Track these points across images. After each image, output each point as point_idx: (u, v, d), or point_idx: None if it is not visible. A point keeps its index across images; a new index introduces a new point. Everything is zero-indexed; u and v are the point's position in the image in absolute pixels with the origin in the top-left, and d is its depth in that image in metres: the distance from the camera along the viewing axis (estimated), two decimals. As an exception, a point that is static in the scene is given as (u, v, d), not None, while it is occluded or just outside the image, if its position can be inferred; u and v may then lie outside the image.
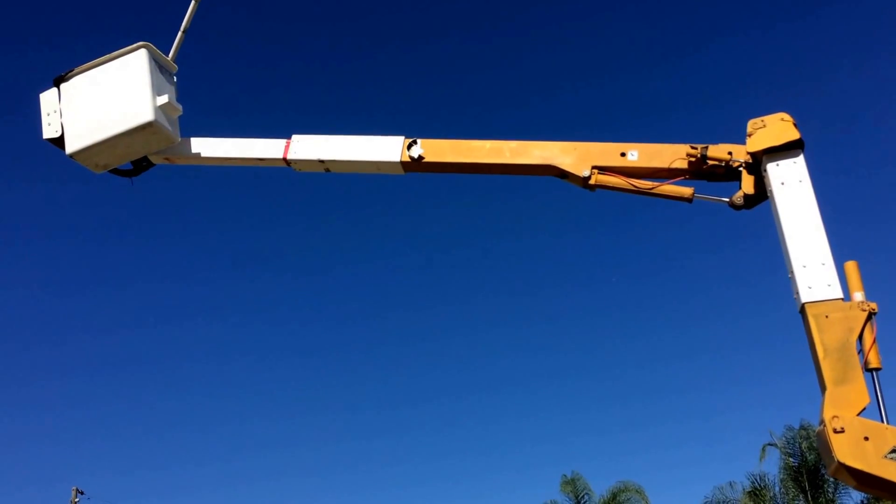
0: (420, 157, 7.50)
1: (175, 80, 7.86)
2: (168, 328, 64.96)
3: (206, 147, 7.95)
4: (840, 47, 59.34)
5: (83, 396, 63.64)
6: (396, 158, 7.55)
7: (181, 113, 7.75)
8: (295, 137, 7.81)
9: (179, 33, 7.87)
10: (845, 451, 5.51)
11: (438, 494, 54.13)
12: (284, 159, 7.79)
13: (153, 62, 7.55)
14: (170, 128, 7.62)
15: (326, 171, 7.90)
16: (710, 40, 63.35)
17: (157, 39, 7.71)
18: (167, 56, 7.81)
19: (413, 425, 58.36)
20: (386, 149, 7.62)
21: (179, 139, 7.78)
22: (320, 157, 7.73)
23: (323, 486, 54.92)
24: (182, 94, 7.85)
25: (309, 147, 7.77)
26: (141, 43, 7.54)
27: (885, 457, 5.43)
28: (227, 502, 56.23)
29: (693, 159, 6.82)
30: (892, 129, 56.95)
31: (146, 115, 7.39)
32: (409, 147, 7.53)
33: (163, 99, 7.47)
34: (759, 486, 33.32)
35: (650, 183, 7.01)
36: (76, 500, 42.11)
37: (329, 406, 60.34)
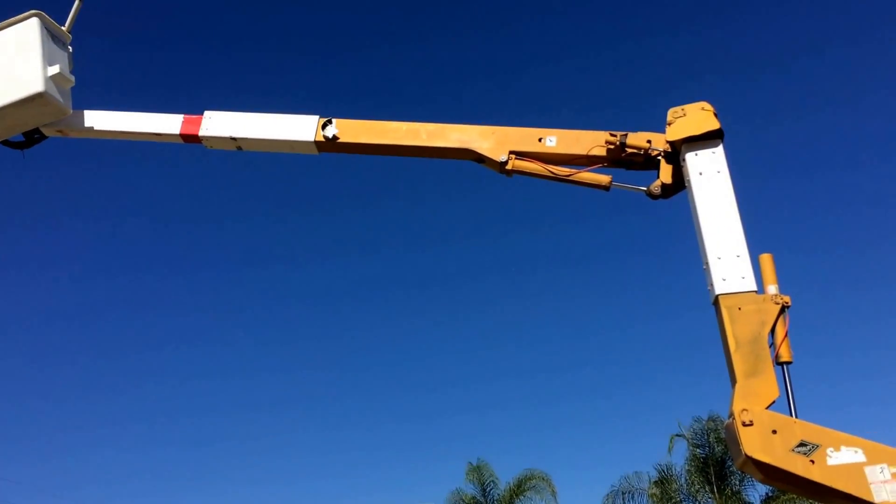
0: (335, 137, 7.33)
1: (70, 50, 7.57)
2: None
3: (100, 120, 7.72)
4: (764, 41, 60.30)
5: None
6: (310, 138, 7.39)
7: (73, 84, 7.48)
8: (207, 114, 7.61)
9: (76, 2, 7.56)
10: (754, 444, 5.50)
11: (343, 489, 53.68)
12: (181, 135, 7.61)
13: (45, 31, 7.25)
14: (61, 99, 7.34)
15: (238, 150, 7.70)
16: (635, 31, 63.83)
17: (52, 8, 7.41)
18: (62, 26, 7.51)
19: (317, 420, 57.66)
20: (300, 128, 7.45)
21: (71, 111, 7.53)
22: (233, 134, 7.53)
23: (216, 483, 53.56)
24: (77, 66, 7.58)
25: (222, 124, 7.57)
26: (32, 11, 7.24)
27: (792, 451, 5.42)
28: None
29: (612, 147, 6.74)
30: (812, 124, 58.20)
31: (36, 85, 7.11)
32: (324, 127, 7.37)
33: (54, 69, 7.19)
34: (666, 476, 33.84)
35: (568, 170, 6.92)
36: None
37: (223, 405, 58.85)
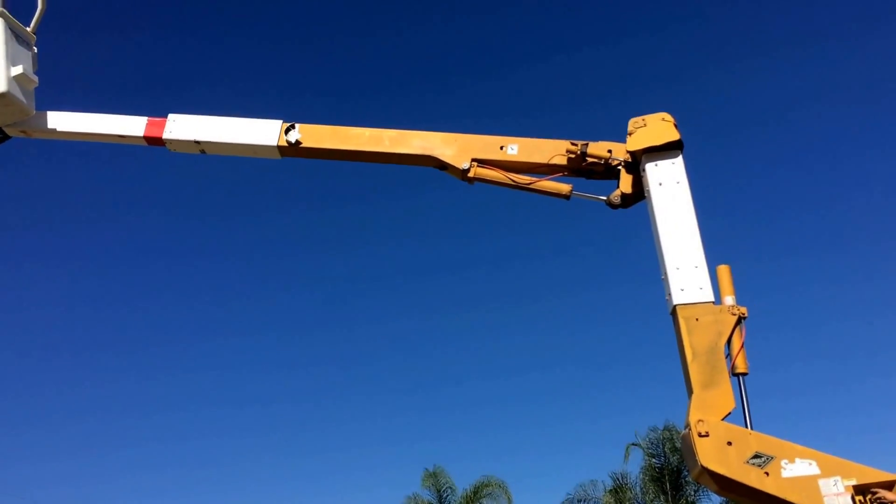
0: (297, 142, 7.32)
1: (35, 50, 7.53)
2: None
3: (64, 121, 7.68)
4: (725, 49, 60.81)
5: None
6: (273, 143, 7.38)
7: (37, 85, 7.47)
8: (171, 116, 7.59)
9: (41, 3, 7.52)
10: (709, 455, 5.52)
11: (294, 493, 53.17)
12: (145, 137, 7.58)
13: (8, 31, 7.21)
14: (24, 100, 7.33)
15: (202, 153, 7.68)
16: (600, 37, 64.02)
17: (17, 8, 7.36)
18: (26, 26, 7.46)
19: (271, 424, 57.04)
20: (263, 132, 7.44)
21: (34, 111, 7.50)
22: (196, 137, 7.52)
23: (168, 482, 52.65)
24: (42, 67, 7.55)
25: (185, 127, 7.55)
26: None
27: (747, 462, 5.44)
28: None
29: (573, 156, 6.77)
30: (772, 134, 58.71)
31: None
32: (287, 131, 7.36)
33: (17, 70, 7.17)
34: (621, 485, 34.01)
35: (528, 178, 6.95)
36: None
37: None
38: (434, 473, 36.24)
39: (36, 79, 7.41)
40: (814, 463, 5.35)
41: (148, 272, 60.69)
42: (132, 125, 7.61)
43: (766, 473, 5.37)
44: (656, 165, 6.49)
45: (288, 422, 56.48)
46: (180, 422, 55.90)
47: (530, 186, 6.93)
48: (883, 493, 5.17)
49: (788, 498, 5.30)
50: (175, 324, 58.86)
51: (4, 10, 7.17)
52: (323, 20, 63.99)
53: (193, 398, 57.60)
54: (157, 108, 7.67)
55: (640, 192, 6.64)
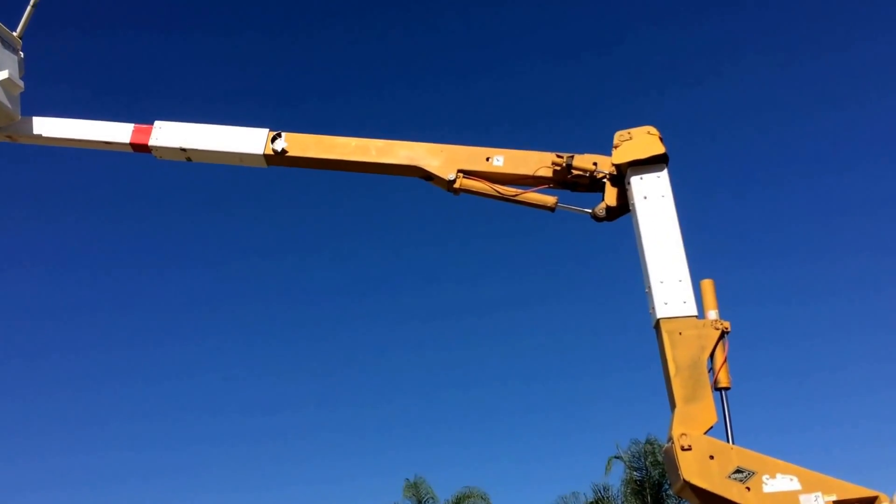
0: (283, 151, 7.32)
1: (21, 55, 7.51)
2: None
3: (50, 127, 7.66)
4: (710, 58, 61.00)
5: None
6: (259, 151, 7.37)
7: (22, 90, 7.45)
8: (158, 124, 7.58)
9: (29, 7, 7.51)
10: (691, 469, 5.53)
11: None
12: (131, 144, 7.57)
13: None
14: (10, 105, 7.33)
15: (188, 161, 7.68)
16: (586, 45, 64.08)
17: (4, 13, 7.41)
18: (13, 31, 7.45)
19: (250, 433, 56.57)
20: (249, 141, 7.44)
21: (19, 117, 7.49)
22: (182, 144, 7.51)
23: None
24: (27, 72, 7.54)
25: (171, 134, 7.54)
26: None
27: (729, 477, 5.46)
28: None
29: (558, 168, 6.79)
30: (757, 146, 58.85)
31: None
32: (273, 140, 7.36)
33: (3, 74, 7.19)
34: (602, 497, 34.02)
35: (514, 190, 6.96)
36: None
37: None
38: (415, 483, 36.07)
39: (22, 84, 7.40)
40: (795, 478, 5.37)
41: (143, 276, 60.50)
42: (118, 132, 7.59)
43: (748, 488, 5.39)
44: (641, 179, 6.51)
45: (266, 431, 56.31)
46: (154, 430, 55.70)
47: (516, 198, 6.94)
48: None
49: None
50: (155, 328, 58.75)
51: None
52: (315, 22, 63.92)
53: (168, 405, 57.27)
54: (144, 114, 7.67)
55: (625, 205, 6.65)
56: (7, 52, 7.31)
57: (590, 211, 6.77)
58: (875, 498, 5.28)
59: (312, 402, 56.45)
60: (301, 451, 54.04)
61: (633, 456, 34.07)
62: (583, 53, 64.82)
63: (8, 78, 7.17)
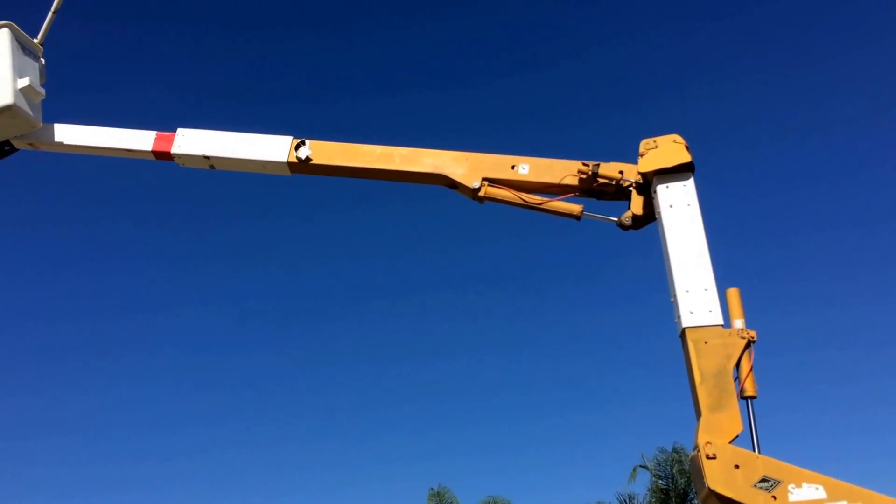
0: (308, 159, 7.34)
1: (42, 62, 7.57)
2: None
3: (71, 134, 7.71)
4: (732, 61, 60.55)
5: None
6: (283, 159, 7.39)
7: (44, 97, 7.47)
8: (180, 131, 7.62)
9: (50, 13, 7.55)
10: (716, 477, 5.52)
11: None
12: (153, 152, 7.61)
13: (15, 43, 7.22)
14: (31, 112, 7.33)
15: (211, 168, 7.70)
16: (606, 45, 63.58)
17: (25, 19, 7.40)
18: (34, 38, 7.49)
19: (273, 438, 56.54)
20: (273, 148, 7.46)
21: (41, 124, 7.52)
22: (205, 153, 7.54)
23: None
24: (49, 78, 7.58)
25: (194, 142, 7.57)
26: (2, 22, 7.20)
27: (755, 486, 5.44)
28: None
29: (584, 176, 6.78)
30: (787, 151, 58.25)
31: (5, 97, 7.10)
32: (297, 148, 7.38)
33: (24, 82, 7.17)
34: (627, 506, 33.93)
35: (540, 198, 6.96)
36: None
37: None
38: (438, 493, 35.93)
39: (43, 91, 7.44)
40: (821, 488, 5.34)
41: (146, 279, 60.77)
42: (140, 139, 7.63)
43: (774, 497, 5.37)
44: (667, 188, 6.51)
45: (290, 437, 56.44)
46: (190, 435, 55.98)
47: (541, 207, 6.94)
48: None
49: None
50: (173, 333, 58.96)
51: (11, 23, 7.20)
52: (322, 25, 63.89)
53: (194, 412, 57.50)
54: (164, 120, 7.72)
55: (651, 214, 6.65)
56: (28, 59, 7.35)
57: (616, 219, 6.76)
58: None
59: (334, 407, 56.59)
60: (322, 458, 54.18)
61: (659, 464, 33.95)
62: (593, 48, 64.46)
63: (29, 85, 7.20)
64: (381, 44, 65.47)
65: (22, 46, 7.30)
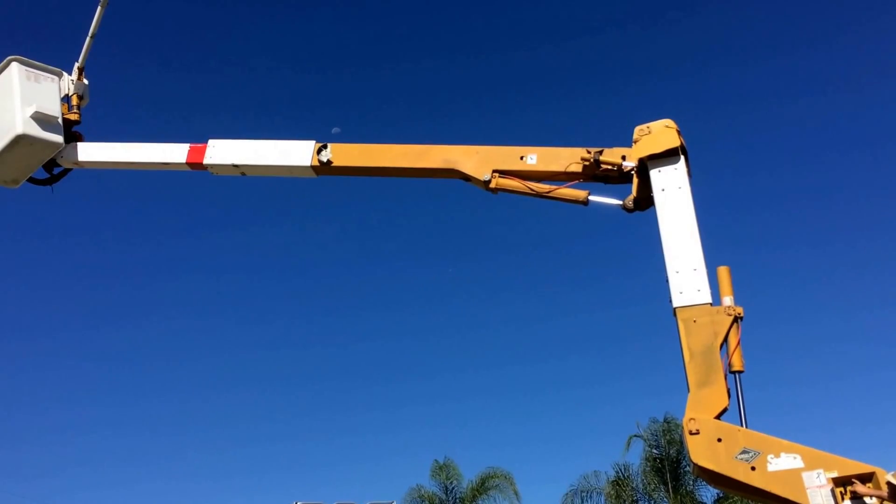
0: (329, 161, 7.75)
1: (86, 82, 7.91)
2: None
3: (109, 152, 8.16)
4: (725, 45, 60.38)
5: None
6: (307, 163, 7.82)
7: (58, 117, 7.71)
8: (211, 142, 8.04)
9: (88, 38, 7.90)
10: (700, 452, 5.87)
11: (309, 481, 53.16)
12: (188, 163, 8.03)
13: (23, 73, 7.53)
14: (46, 136, 7.60)
15: (242, 175, 8.12)
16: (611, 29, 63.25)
17: (70, 44, 7.77)
18: (77, 61, 7.85)
19: (275, 410, 56.65)
20: (297, 153, 7.88)
21: (63, 143, 7.80)
22: (235, 161, 7.98)
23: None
24: (94, 97, 7.94)
25: (224, 151, 8.00)
26: (10, 57, 7.57)
27: (735, 458, 5.76)
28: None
29: (587, 163, 7.03)
30: (776, 129, 58.17)
31: (15, 129, 7.44)
32: (320, 151, 7.79)
33: (31, 109, 7.44)
34: (623, 475, 34.22)
35: (547, 186, 7.24)
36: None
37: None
38: (444, 466, 35.86)
39: (56, 112, 7.68)
40: (798, 457, 5.65)
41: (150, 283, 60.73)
42: (175, 152, 8.07)
43: (753, 468, 5.69)
44: (660, 171, 6.77)
45: (291, 409, 56.69)
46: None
47: (549, 194, 7.21)
48: (856, 485, 5.46)
49: (773, 490, 5.63)
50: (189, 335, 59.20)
51: (18, 57, 7.52)
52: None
53: (220, 411, 57.28)
54: (190, 133, 8.05)
55: (650, 197, 6.87)
56: (43, 85, 7.64)
57: (620, 203, 7.00)
58: (873, 473, 5.52)
59: (336, 382, 56.76)
60: (326, 429, 54.43)
61: (653, 434, 34.24)
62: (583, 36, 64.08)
63: (37, 111, 7.45)
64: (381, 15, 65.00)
65: (35, 73, 7.61)
